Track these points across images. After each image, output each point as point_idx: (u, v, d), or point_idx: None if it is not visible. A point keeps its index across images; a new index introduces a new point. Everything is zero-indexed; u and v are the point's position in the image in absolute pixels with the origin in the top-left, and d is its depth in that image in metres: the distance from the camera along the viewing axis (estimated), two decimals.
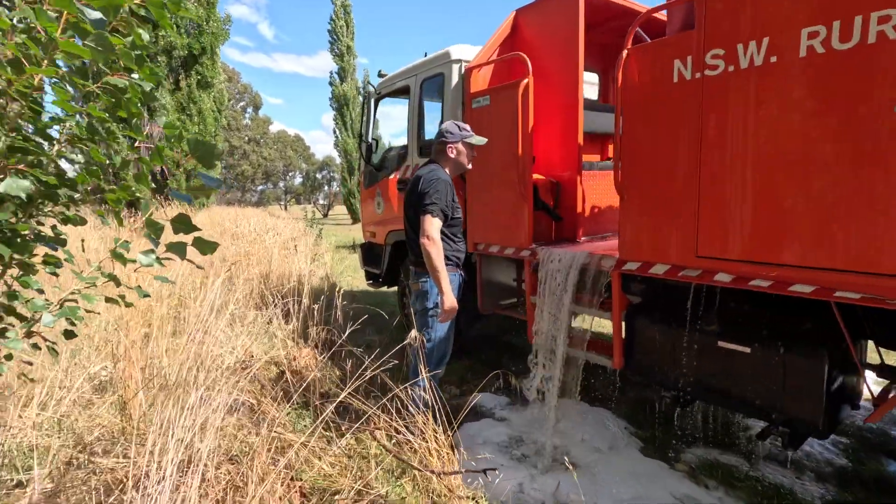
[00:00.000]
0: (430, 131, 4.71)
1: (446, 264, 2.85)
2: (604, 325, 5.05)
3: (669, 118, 2.47)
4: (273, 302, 5.25)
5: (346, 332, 4.01)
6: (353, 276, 9.14)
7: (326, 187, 49.37)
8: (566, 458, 2.67)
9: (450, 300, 2.82)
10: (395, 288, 5.56)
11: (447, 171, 3.00)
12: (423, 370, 2.82)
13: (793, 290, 2.13)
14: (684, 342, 2.62)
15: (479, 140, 3.04)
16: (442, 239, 2.85)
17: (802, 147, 2.02)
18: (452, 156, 3.00)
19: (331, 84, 24.92)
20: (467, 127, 3.03)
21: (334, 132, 26.02)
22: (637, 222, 2.68)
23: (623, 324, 2.93)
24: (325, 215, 38.94)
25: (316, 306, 4.56)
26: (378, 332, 5.72)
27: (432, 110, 5.01)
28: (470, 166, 3.12)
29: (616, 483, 2.67)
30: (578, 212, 3.63)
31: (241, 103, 45.05)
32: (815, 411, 2.20)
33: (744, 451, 3.05)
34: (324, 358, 4.27)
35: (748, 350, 2.38)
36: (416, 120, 4.61)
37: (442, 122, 4.26)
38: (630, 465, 2.87)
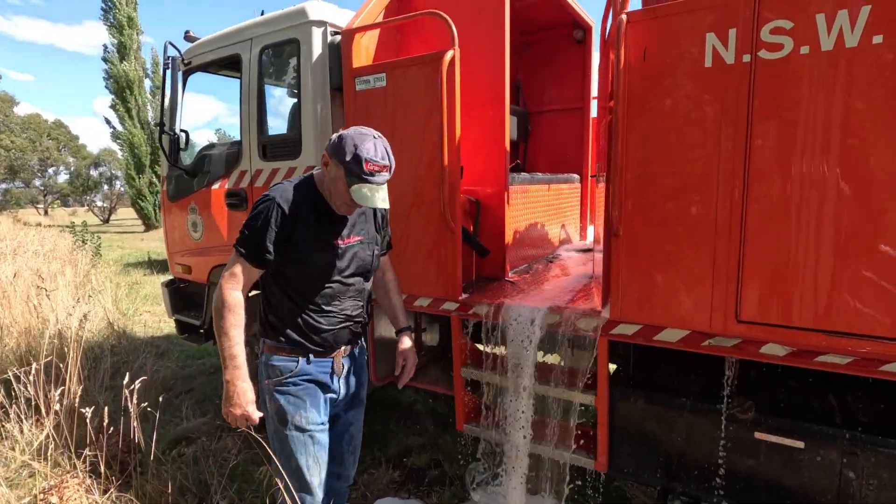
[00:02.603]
0: (276, 123, 3.30)
1: (279, 344, 1.72)
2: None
3: (697, 121, 1.68)
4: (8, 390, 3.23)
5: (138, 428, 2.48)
6: (153, 313, 6.83)
7: (106, 186, 40.02)
8: None
9: (238, 400, 1.60)
10: None
11: (316, 187, 1.69)
12: None
13: (886, 371, 1.52)
14: (703, 434, 1.89)
15: (364, 197, 1.54)
16: (280, 301, 1.71)
17: None
18: (323, 172, 1.66)
19: (106, 62, 19.96)
20: (368, 149, 1.54)
21: (107, 121, 21.00)
22: (639, 270, 1.85)
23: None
24: (107, 220, 31.62)
25: (84, 400, 2.75)
26: (202, 406, 4.01)
27: (275, 92, 3.59)
28: (341, 207, 1.66)
29: None
30: (507, 241, 2.71)
31: None
32: None
33: None
34: (109, 495, 2.56)
35: (801, 445, 1.74)
36: (256, 105, 3.15)
37: (300, 107, 2.94)
38: None
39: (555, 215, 3.56)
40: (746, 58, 1.58)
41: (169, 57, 3.24)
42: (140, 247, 15.93)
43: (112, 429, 2.63)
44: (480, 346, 2.56)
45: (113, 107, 20.32)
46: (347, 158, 1.52)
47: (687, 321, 1.79)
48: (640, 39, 1.73)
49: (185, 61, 3.49)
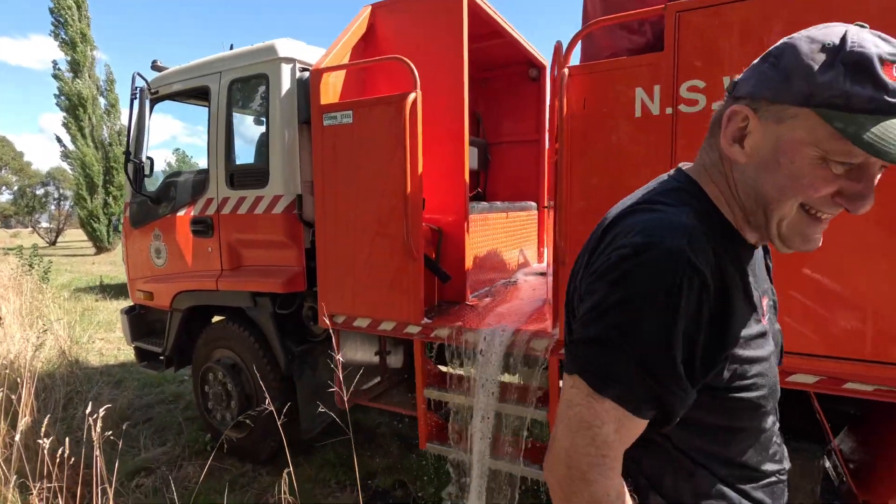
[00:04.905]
0: (244, 151, 3.39)
1: None
2: None
3: (630, 164, 1.91)
4: None
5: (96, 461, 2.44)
6: (108, 341, 6.61)
7: (53, 207, 38.14)
8: None
9: None
10: (189, 369, 3.89)
11: (719, 210, 0.75)
12: None
13: (792, 382, 1.75)
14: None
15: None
16: (669, 461, 0.76)
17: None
18: (727, 144, 0.71)
19: (57, 79, 19.34)
20: (875, 42, 0.58)
21: (58, 139, 20.28)
22: None
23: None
24: (53, 243, 30.06)
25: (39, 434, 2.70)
26: (161, 435, 3.94)
27: (243, 123, 3.68)
28: (802, 235, 0.69)
29: None
30: (467, 267, 2.88)
31: None
32: None
33: None
34: None
35: None
36: (224, 136, 3.24)
37: (268, 138, 3.04)
38: None
39: (513, 241, 3.77)
40: (669, 110, 1.82)
41: (137, 87, 3.30)
42: (91, 271, 15.25)
43: (66, 460, 2.58)
44: (442, 368, 2.70)
45: (65, 125, 19.62)
46: (833, 73, 0.59)
47: None
48: (580, 90, 1.96)
49: (153, 90, 3.55)
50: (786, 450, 0.85)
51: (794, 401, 2.02)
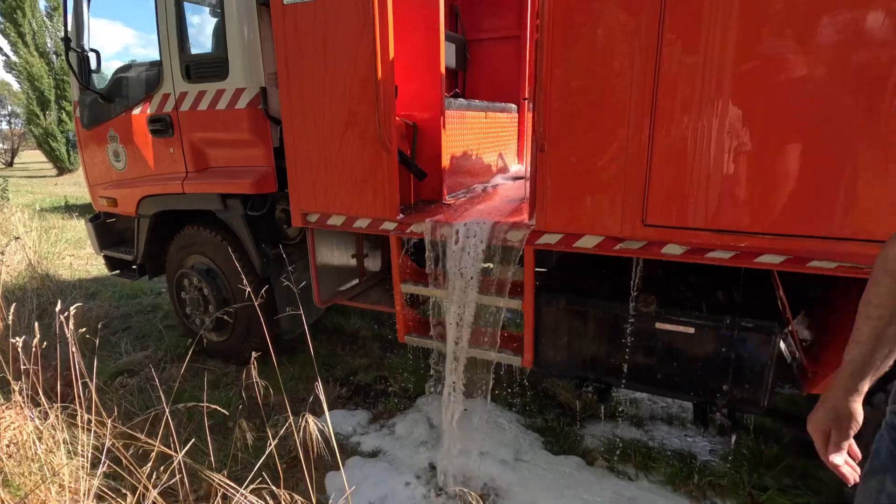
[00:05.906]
0: (199, 39, 3.11)
1: None
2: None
3: (613, 40, 1.79)
4: None
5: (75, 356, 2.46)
6: (78, 257, 6.46)
7: (5, 125, 35.58)
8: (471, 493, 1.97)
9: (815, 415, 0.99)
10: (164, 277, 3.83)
11: None
12: None
13: (759, 262, 1.79)
14: (614, 328, 2.15)
15: None
16: None
17: (806, 90, 1.59)
18: None
19: None
20: None
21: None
22: (562, 183, 2.00)
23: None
24: (10, 164, 28.41)
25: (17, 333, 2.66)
26: (141, 342, 3.97)
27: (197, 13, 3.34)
28: None
29: None
30: (443, 165, 2.79)
31: None
32: (759, 390, 1.99)
33: (630, 418, 2.90)
34: (55, 417, 2.56)
35: (692, 331, 2.03)
36: (176, 21, 2.93)
37: (224, 18, 2.78)
38: (547, 475, 2.38)
39: (492, 143, 3.65)
40: None
41: None
42: (54, 192, 14.59)
43: (38, 345, 2.56)
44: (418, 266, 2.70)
45: (1, 31, 17.76)
46: None
47: (602, 228, 1.99)
48: None
49: None
50: None
51: (758, 283, 2.09)
